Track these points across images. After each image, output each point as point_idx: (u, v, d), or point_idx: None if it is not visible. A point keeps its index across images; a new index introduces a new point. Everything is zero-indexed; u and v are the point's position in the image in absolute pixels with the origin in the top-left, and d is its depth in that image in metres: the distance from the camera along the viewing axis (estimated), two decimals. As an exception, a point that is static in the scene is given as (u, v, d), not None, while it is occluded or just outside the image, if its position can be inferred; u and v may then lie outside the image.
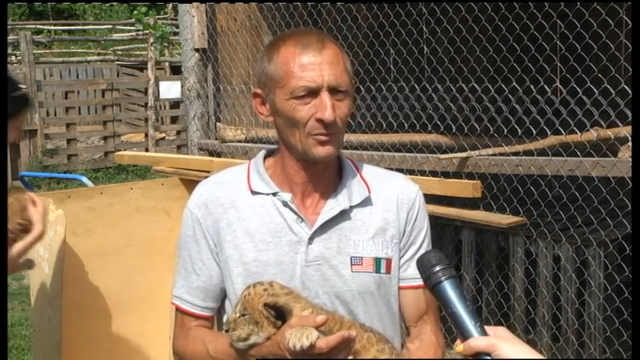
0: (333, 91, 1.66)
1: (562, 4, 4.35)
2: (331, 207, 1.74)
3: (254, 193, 1.76)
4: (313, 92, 1.65)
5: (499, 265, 4.51)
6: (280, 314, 1.57)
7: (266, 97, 1.73)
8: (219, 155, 5.60)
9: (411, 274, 1.79)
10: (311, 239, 1.71)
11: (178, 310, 1.83)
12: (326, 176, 1.77)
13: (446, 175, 4.28)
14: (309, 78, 1.64)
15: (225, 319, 1.80)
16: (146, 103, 12.65)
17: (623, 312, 3.92)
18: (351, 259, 1.73)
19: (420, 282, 1.74)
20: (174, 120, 13.14)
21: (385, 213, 1.78)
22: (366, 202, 1.77)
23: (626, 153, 3.61)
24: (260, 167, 1.79)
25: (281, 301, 1.58)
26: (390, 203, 1.79)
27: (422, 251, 1.78)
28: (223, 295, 1.80)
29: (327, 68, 1.65)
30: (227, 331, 1.61)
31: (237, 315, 1.60)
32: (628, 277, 3.83)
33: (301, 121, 1.66)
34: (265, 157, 1.83)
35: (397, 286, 1.80)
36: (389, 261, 1.76)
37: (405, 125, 5.14)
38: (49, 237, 3.73)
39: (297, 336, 1.49)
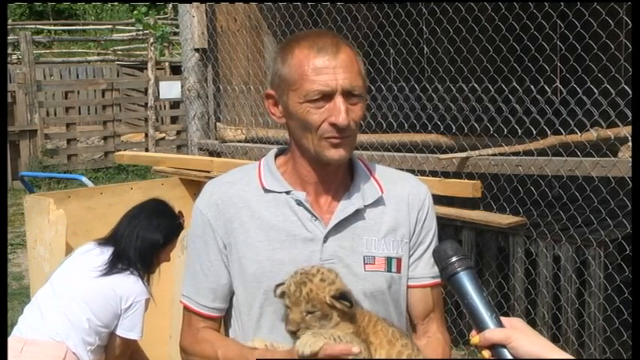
0: (347, 94, 1.65)
1: (562, 4, 4.36)
2: (345, 206, 1.74)
3: (267, 191, 1.75)
4: (327, 96, 1.64)
5: (499, 265, 4.51)
6: (346, 299, 1.58)
7: (279, 99, 1.72)
8: (219, 155, 5.60)
9: (420, 273, 1.80)
10: (326, 238, 1.72)
11: (186, 308, 1.83)
12: (338, 176, 1.77)
13: (446, 175, 4.28)
14: (323, 82, 1.63)
15: (233, 322, 1.80)
16: (146, 103, 12.65)
17: (623, 312, 3.92)
18: (364, 259, 1.73)
19: (428, 281, 1.79)
20: (174, 120, 13.14)
21: (396, 213, 1.79)
22: (378, 201, 1.77)
23: (626, 153, 3.61)
24: (272, 166, 1.79)
25: (343, 287, 1.60)
26: (401, 203, 1.80)
27: (430, 251, 1.78)
28: (231, 296, 1.79)
29: (341, 72, 1.64)
30: (295, 332, 1.58)
31: (304, 314, 1.58)
32: (628, 277, 3.83)
33: (314, 125, 1.65)
34: (276, 156, 1.82)
35: (406, 285, 1.81)
36: (399, 260, 1.77)
37: (405, 125, 5.15)
38: (50, 237, 3.74)
39: (303, 342, 1.50)
